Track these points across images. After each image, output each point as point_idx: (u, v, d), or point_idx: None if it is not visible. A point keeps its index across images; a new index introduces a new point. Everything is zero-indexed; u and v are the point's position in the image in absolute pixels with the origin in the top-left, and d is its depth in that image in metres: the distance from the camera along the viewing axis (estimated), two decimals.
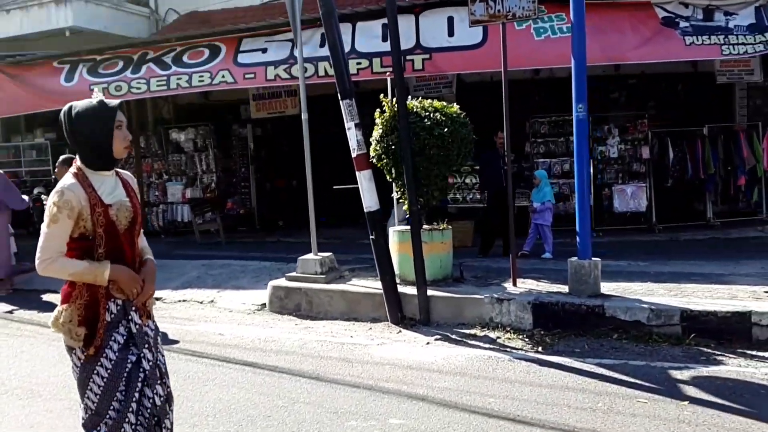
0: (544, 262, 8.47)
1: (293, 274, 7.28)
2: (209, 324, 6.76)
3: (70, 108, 2.61)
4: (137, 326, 2.68)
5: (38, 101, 10.04)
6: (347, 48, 8.80)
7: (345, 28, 8.99)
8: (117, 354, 2.60)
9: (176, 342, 6.03)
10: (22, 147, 14.16)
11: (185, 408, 4.36)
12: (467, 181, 10.93)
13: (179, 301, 7.85)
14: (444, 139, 6.28)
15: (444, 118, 6.38)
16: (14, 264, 8.65)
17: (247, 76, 9.32)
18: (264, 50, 9.38)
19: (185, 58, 9.67)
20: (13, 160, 14.38)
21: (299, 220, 10.66)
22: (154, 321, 2.87)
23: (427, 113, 6.42)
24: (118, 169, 2.78)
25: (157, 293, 8.12)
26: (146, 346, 2.70)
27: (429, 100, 6.62)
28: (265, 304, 7.27)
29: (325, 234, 10.93)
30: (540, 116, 11.32)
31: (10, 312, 7.60)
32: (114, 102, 2.64)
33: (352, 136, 6.27)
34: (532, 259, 8.73)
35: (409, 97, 6.81)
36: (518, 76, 10.72)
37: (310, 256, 7.31)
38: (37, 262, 2.51)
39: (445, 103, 6.65)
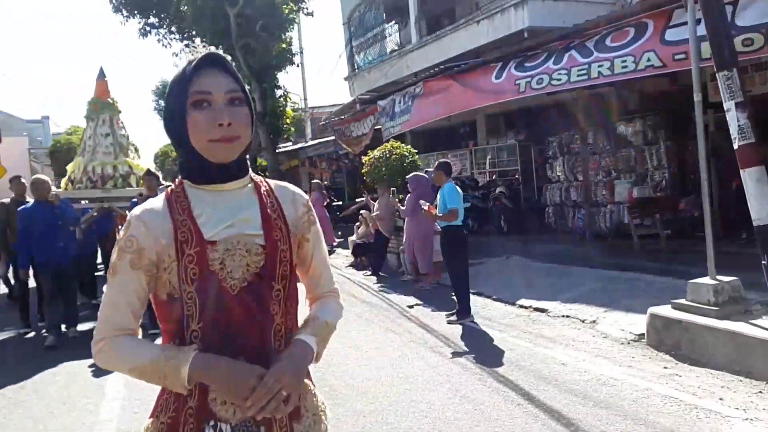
0: None
1: (680, 301, 5.65)
2: (566, 350, 5.81)
3: None
4: None
5: (472, 99, 10.48)
6: None
7: None
8: None
9: (501, 365, 5.37)
10: (496, 148, 15.14)
11: None
12: None
13: (563, 316, 7.02)
14: None
15: None
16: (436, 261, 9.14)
17: (676, 56, 7.58)
18: (698, 20, 7.53)
19: (608, 42, 8.55)
20: (480, 162, 15.58)
21: None
22: None
23: None
24: (281, 183, 1.63)
25: (544, 304, 7.57)
26: None
27: None
28: (643, 334, 5.87)
29: None
30: None
31: (411, 306, 8.09)
32: (198, 55, 1.44)
33: (732, 119, 4.43)
34: None
35: None
36: None
37: (704, 280, 5.54)
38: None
39: None
